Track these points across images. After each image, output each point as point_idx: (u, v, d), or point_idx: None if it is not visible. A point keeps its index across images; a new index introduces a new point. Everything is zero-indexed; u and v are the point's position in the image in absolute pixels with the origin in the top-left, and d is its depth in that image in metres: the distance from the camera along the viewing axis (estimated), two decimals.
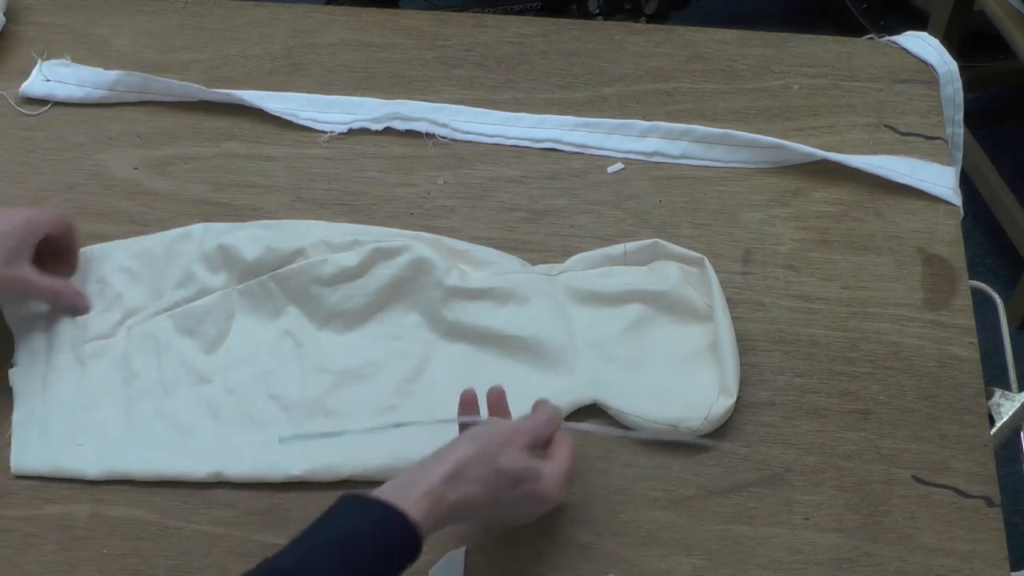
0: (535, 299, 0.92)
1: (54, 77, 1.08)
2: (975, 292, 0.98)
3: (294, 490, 0.85)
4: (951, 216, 0.98)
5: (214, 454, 0.86)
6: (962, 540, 0.82)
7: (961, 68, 1.08)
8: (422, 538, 0.69)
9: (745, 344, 0.90)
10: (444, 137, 1.04)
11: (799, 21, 2.29)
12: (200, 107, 1.07)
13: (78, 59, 1.10)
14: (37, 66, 1.09)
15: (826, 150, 1.00)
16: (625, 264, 0.95)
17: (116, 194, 1.01)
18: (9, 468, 0.86)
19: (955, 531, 0.82)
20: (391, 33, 1.13)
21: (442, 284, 0.92)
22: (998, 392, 0.96)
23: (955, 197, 0.99)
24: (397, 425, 0.81)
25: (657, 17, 2.10)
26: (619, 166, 1.02)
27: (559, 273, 0.94)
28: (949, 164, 1.02)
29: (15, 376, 0.90)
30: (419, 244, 0.93)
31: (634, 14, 2.08)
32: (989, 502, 0.83)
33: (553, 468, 0.76)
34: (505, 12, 1.91)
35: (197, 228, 0.96)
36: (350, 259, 0.92)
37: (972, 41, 1.95)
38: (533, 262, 0.96)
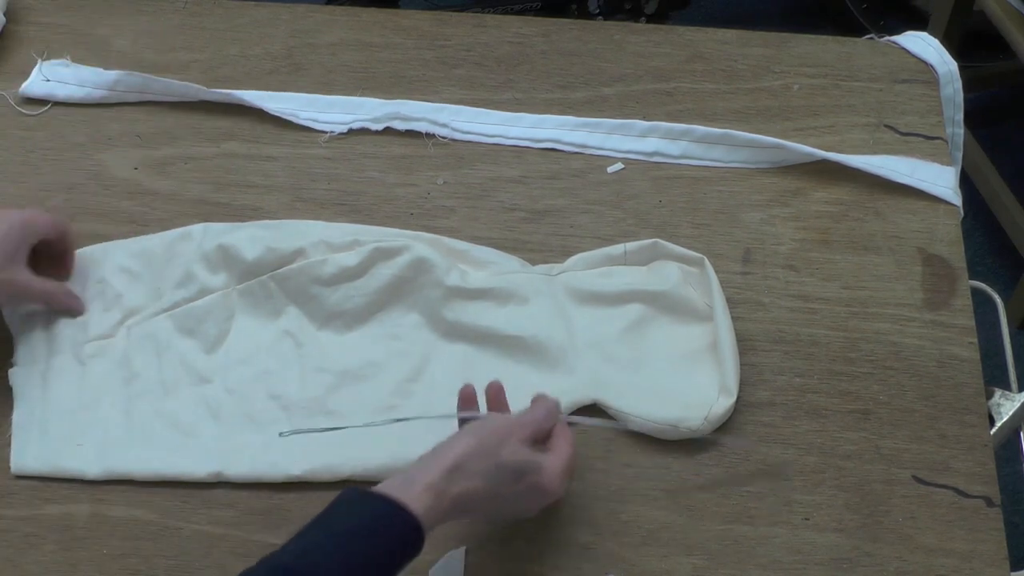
0: (535, 299, 0.92)
1: (54, 77, 1.08)
2: (975, 292, 0.98)
3: (294, 490, 0.85)
4: (951, 216, 0.98)
5: (214, 454, 0.86)
6: (962, 540, 0.82)
7: (961, 68, 1.08)
8: (424, 532, 0.69)
9: (745, 344, 0.90)
10: (444, 137, 1.04)
11: (799, 21, 2.29)
12: (200, 107, 1.07)
13: (78, 59, 1.10)
14: (37, 66, 1.09)
15: (826, 150, 1.00)
16: (625, 264, 0.95)
17: (116, 194, 1.01)
18: (9, 468, 0.86)
19: (955, 531, 0.82)
20: (391, 33, 1.13)
21: (442, 284, 0.92)
22: (998, 392, 0.97)
23: (955, 197, 0.99)
24: (397, 420, 0.81)
25: (657, 17, 2.10)
26: (619, 166, 1.02)
27: (559, 273, 0.94)
28: (949, 164, 1.02)
29: (15, 376, 0.90)
30: (419, 244, 0.93)
31: (634, 14, 2.08)
32: (989, 502, 0.83)
33: (554, 461, 0.76)
34: (505, 12, 1.91)
35: (197, 228, 0.96)
36: (350, 259, 0.92)
37: (972, 41, 1.95)
38: (533, 262, 0.96)
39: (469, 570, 0.81)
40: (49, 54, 1.10)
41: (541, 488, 0.75)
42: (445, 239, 0.96)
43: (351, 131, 1.04)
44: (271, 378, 0.90)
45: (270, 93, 1.07)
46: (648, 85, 1.08)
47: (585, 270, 0.95)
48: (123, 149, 1.04)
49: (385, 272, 0.92)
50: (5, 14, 1.12)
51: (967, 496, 0.84)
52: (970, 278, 0.95)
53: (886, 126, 1.04)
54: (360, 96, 1.07)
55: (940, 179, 1.00)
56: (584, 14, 2.05)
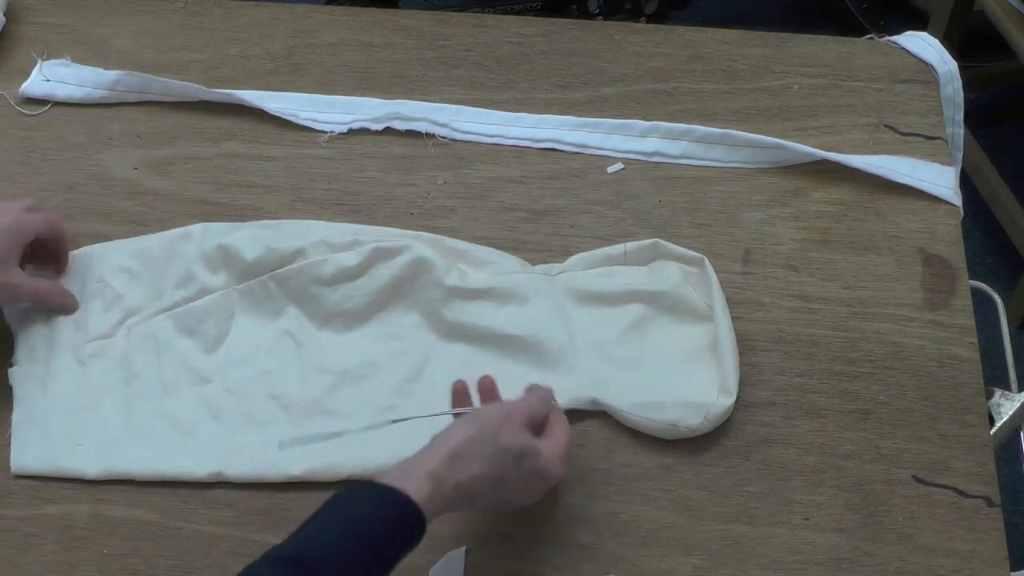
0: (535, 299, 0.92)
1: (54, 77, 1.08)
2: (975, 292, 0.98)
3: (294, 490, 0.85)
4: (951, 216, 0.98)
5: (214, 454, 0.86)
6: (962, 540, 0.82)
7: (961, 68, 1.08)
8: (426, 519, 0.69)
9: (745, 344, 0.90)
10: (444, 137, 1.04)
11: (799, 21, 2.29)
12: (200, 107, 1.07)
13: (78, 59, 1.10)
14: (37, 66, 1.09)
15: (826, 150, 1.00)
16: (625, 264, 0.95)
17: (116, 194, 1.01)
18: (9, 468, 0.86)
19: (955, 531, 0.82)
20: (391, 33, 1.13)
21: (442, 284, 0.92)
22: (998, 392, 0.97)
23: (955, 197, 0.99)
24: (393, 421, 0.81)
25: (657, 17, 2.10)
26: (619, 166, 1.02)
27: (559, 273, 0.94)
28: (949, 164, 1.02)
29: (15, 376, 0.90)
30: (419, 244, 0.93)
31: (634, 14, 2.08)
32: (989, 502, 0.83)
33: (552, 445, 0.76)
34: (505, 12, 1.91)
35: (197, 228, 0.96)
36: (350, 259, 0.92)
37: (972, 41, 1.95)
38: (533, 262, 0.96)
39: (469, 570, 0.81)
40: (49, 54, 1.10)
41: (542, 472, 0.75)
42: (445, 239, 0.96)
43: (351, 131, 1.04)
44: (271, 378, 0.90)
45: (270, 93, 1.07)
46: (648, 85, 1.08)
47: (585, 270, 0.95)
48: (123, 149, 1.04)
49: (385, 272, 0.92)
50: (5, 14, 1.12)
51: (967, 496, 0.84)
52: (970, 278, 0.95)
53: (886, 126, 1.04)
54: (360, 96, 1.07)
55: (940, 179, 1.00)
56: (584, 14, 2.05)
